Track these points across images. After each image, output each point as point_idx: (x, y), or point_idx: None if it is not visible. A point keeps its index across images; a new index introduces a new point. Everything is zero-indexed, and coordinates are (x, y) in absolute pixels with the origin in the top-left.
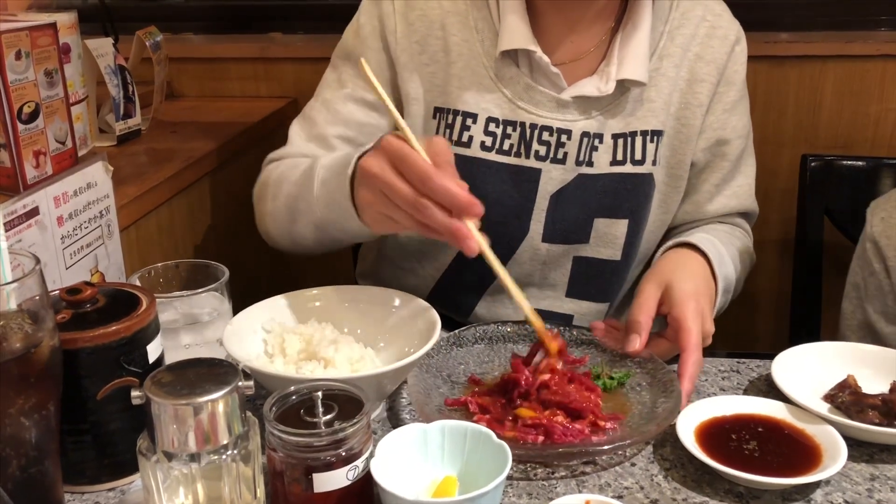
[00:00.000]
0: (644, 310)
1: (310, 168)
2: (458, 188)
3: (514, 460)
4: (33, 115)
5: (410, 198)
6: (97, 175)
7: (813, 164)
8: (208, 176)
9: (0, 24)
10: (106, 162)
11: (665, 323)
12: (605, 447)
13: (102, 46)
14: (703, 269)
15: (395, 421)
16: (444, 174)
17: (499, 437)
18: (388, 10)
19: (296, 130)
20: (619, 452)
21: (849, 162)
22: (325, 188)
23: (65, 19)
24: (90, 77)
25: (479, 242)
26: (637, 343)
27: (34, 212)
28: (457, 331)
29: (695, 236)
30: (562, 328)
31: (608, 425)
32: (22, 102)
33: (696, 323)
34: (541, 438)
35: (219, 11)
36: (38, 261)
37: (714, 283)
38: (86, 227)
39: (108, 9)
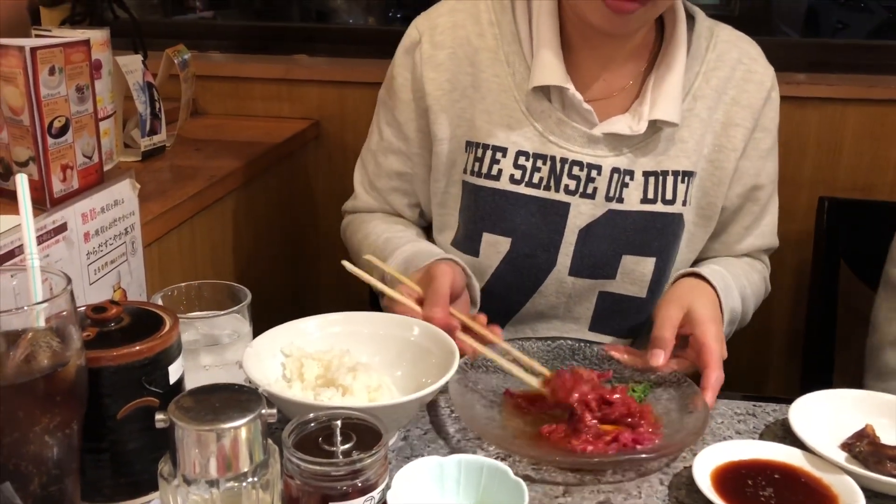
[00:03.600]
0: (668, 327)
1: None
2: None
3: (560, 467)
4: (63, 130)
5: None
6: (124, 192)
7: (830, 206)
8: (230, 195)
9: (36, 41)
10: (133, 180)
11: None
12: (643, 456)
13: (132, 63)
14: (715, 299)
15: (410, 451)
16: (423, 315)
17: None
18: (418, 58)
19: (358, 179)
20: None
21: (866, 206)
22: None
23: (98, 36)
24: (118, 93)
25: (471, 348)
26: (661, 358)
27: (62, 227)
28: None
29: (706, 268)
30: (582, 343)
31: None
32: (53, 117)
33: (718, 343)
34: (590, 448)
35: (245, 31)
36: (69, 280)
37: (721, 313)
38: (111, 244)
39: (139, 26)
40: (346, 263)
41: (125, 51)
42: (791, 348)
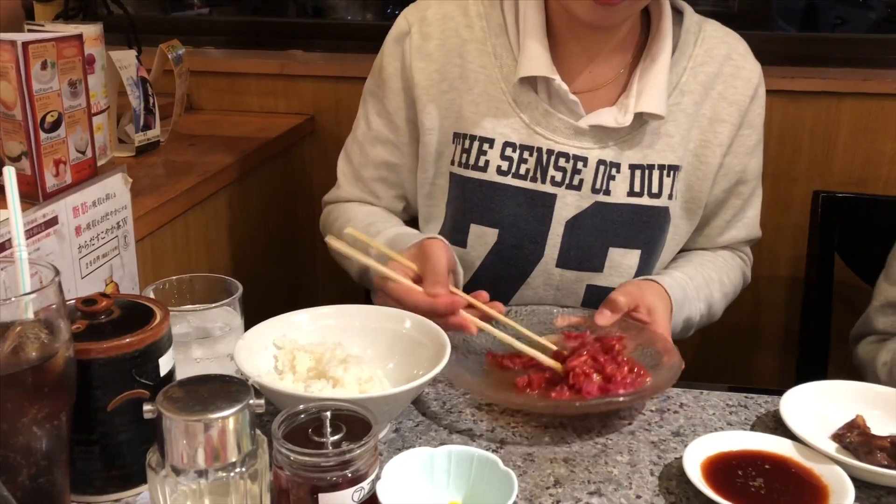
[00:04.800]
0: (627, 296)
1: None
2: (432, 305)
3: (536, 415)
4: (55, 125)
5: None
6: (116, 186)
7: (824, 201)
8: (224, 190)
9: (28, 35)
10: (125, 174)
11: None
12: (622, 399)
13: (126, 58)
14: (670, 308)
15: (401, 443)
16: (426, 294)
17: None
18: (407, 48)
19: (342, 170)
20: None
21: (860, 200)
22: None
23: (91, 31)
24: (112, 88)
25: (474, 325)
26: (606, 318)
27: (53, 221)
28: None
29: (668, 278)
30: (572, 309)
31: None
32: (45, 111)
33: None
34: (566, 394)
35: (240, 27)
36: (57, 272)
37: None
38: (102, 238)
39: (133, 21)
40: (330, 240)
41: (119, 46)
42: (786, 344)
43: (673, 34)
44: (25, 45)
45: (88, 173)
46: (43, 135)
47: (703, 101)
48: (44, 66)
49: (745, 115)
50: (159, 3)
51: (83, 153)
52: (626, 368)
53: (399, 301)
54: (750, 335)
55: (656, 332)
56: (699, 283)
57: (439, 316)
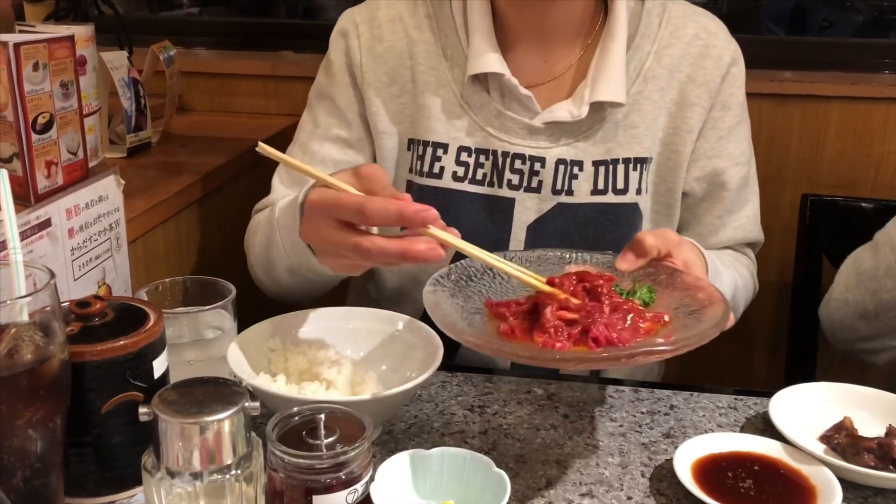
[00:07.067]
0: (659, 239)
1: (271, 214)
2: (396, 203)
3: (566, 369)
4: (47, 126)
5: (350, 244)
6: (109, 188)
7: (813, 203)
8: (216, 192)
9: (19, 36)
10: (118, 176)
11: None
12: (668, 347)
13: (117, 59)
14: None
15: (394, 445)
16: (378, 197)
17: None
18: (354, 44)
19: (277, 178)
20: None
21: (848, 203)
22: (285, 231)
23: (82, 32)
24: (104, 89)
25: (440, 251)
26: (627, 263)
27: (46, 223)
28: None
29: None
30: (579, 254)
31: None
32: (37, 113)
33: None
34: (557, 345)
35: (231, 27)
36: (52, 275)
37: None
38: (95, 240)
39: (124, 22)
40: (261, 144)
41: (110, 47)
42: (775, 346)
43: (635, 18)
44: (17, 46)
45: (80, 175)
46: (34, 136)
47: (670, 87)
48: (35, 67)
49: (716, 97)
50: (148, 4)
51: (75, 154)
52: (609, 311)
53: (352, 208)
54: (739, 337)
55: (698, 277)
56: (723, 262)
57: (409, 223)
